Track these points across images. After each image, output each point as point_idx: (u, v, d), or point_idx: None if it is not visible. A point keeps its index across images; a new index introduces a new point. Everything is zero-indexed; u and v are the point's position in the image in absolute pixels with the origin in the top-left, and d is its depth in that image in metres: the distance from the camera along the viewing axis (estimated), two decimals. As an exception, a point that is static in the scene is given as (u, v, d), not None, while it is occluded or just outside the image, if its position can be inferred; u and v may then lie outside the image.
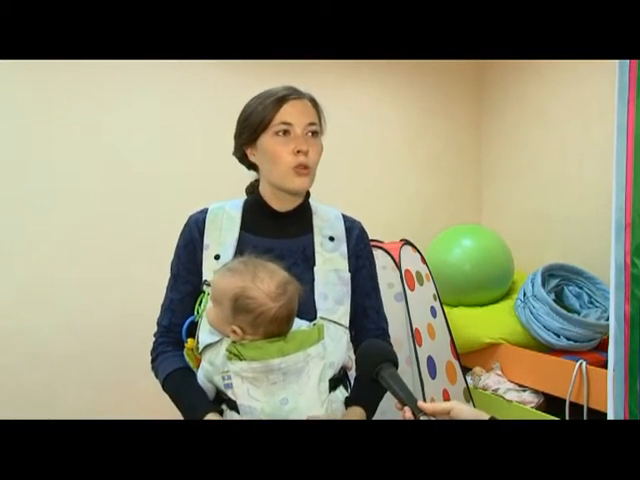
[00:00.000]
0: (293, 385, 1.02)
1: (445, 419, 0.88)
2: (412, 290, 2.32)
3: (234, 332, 1.03)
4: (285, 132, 1.13)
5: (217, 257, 1.16)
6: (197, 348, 1.10)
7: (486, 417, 0.85)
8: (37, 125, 2.37)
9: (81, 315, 2.44)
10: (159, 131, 2.60)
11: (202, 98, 2.68)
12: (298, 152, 1.13)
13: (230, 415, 1.06)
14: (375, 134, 3.17)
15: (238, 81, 2.60)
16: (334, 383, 1.12)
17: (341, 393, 1.16)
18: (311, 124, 1.16)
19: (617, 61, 1.48)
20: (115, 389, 2.47)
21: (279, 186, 1.18)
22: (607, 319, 2.32)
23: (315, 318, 1.13)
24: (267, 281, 1.03)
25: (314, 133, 1.17)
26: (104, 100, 2.49)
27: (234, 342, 1.03)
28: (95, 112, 2.48)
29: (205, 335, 1.09)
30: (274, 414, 1.00)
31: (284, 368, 1.01)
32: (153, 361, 1.20)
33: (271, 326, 1.03)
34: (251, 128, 1.16)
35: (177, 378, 1.13)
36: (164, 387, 1.15)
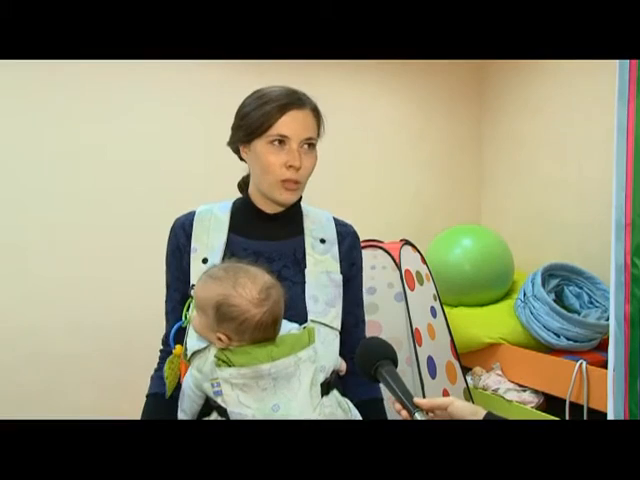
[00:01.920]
0: (284, 390, 1.00)
1: (443, 416, 0.88)
2: (412, 290, 2.32)
3: (219, 340, 1.01)
4: (280, 142, 1.11)
5: (205, 261, 1.14)
6: (185, 355, 1.08)
7: (483, 412, 0.85)
8: (38, 124, 2.37)
9: (82, 315, 2.44)
10: (161, 131, 2.61)
11: (203, 98, 2.68)
12: (290, 167, 1.11)
13: None
14: (375, 134, 3.18)
15: (238, 81, 2.60)
16: (326, 387, 1.10)
17: (335, 397, 1.13)
18: (308, 139, 1.13)
19: (617, 61, 1.48)
20: (115, 389, 2.47)
21: (266, 195, 1.17)
22: (607, 319, 2.32)
23: (306, 321, 1.11)
24: (249, 287, 1.00)
25: (310, 146, 1.14)
26: (104, 100, 2.49)
27: (222, 348, 1.01)
28: (95, 112, 2.48)
29: (193, 341, 1.07)
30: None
31: (274, 373, 0.99)
32: None
33: (257, 332, 1.00)
34: (247, 129, 1.13)
35: (146, 404, 1.18)
36: None
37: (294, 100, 1.12)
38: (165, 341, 1.21)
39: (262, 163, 1.12)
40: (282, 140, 1.11)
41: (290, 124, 1.10)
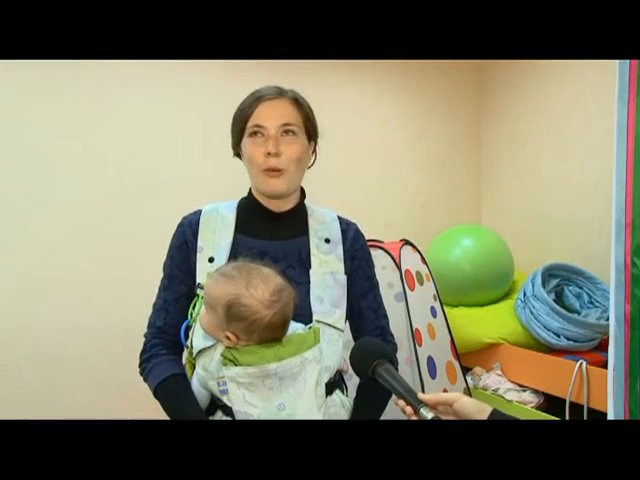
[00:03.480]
0: (290, 390, 1.00)
1: (446, 412, 0.88)
2: (412, 290, 2.32)
3: (228, 338, 1.01)
4: (259, 133, 1.13)
5: (211, 260, 1.15)
6: (191, 353, 1.08)
7: (489, 410, 0.85)
8: (37, 126, 2.37)
9: (82, 315, 2.44)
10: (158, 132, 2.60)
11: (202, 98, 2.68)
12: (268, 154, 1.12)
13: None
14: (375, 134, 3.17)
15: (238, 81, 2.60)
16: (330, 387, 1.11)
17: (338, 397, 1.14)
18: (285, 124, 1.13)
19: (617, 61, 1.48)
20: (115, 389, 2.47)
21: (256, 189, 1.18)
22: (607, 319, 2.32)
23: (311, 321, 1.11)
24: (261, 288, 1.01)
25: (290, 132, 1.14)
26: (103, 101, 2.49)
27: (228, 347, 1.01)
28: (94, 113, 2.47)
29: (199, 340, 1.07)
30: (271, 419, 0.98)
31: (280, 373, 1.00)
32: (144, 362, 1.16)
33: (265, 332, 1.01)
34: (235, 129, 1.17)
35: (172, 386, 1.09)
36: (155, 394, 1.11)
37: (270, 92, 1.15)
38: (161, 329, 1.16)
39: (247, 157, 1.16)
40: (259, 131, 1.13)
41: (265, 113, 1.13)
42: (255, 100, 1.14)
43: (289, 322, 1.05)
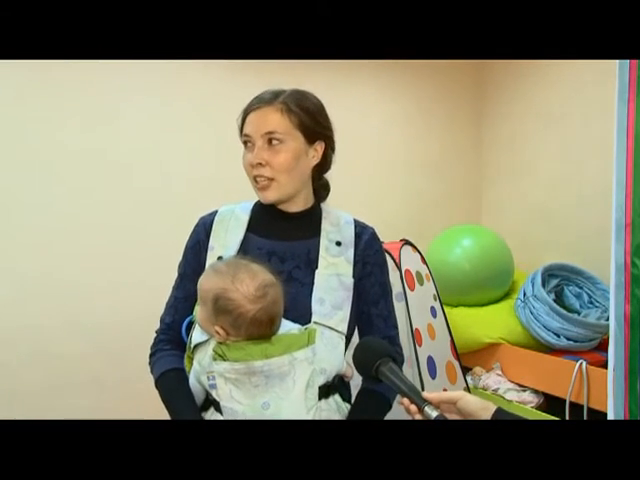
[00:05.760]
0: (276, 389, 1.01)
1: (450, 410, 0.88)
2: (412, 290, 2.32)
3: (217, 333, 1.03)
4: (247, 143, 1.15)
5: (220, 258, 1.16)
6: (189, 347, 1.10)
7: (493, 408, 0.84)
8: (38, 127, 2.37)
9: (83, 315, 2.44)
10: (161, 134, 2.60)
11: (202, 99, 2.68)
12: (256, 164, 1.13)
13: (216, 417, 1.05)
14: (375, 135, 3.17)
15: (239, 81, 2.60)
16: (326, 390, 1.09)
17: (335, 401, 1.12)
18: (268, 133, 1.11)
19: (617, 61, 1.48)
20: (116, 389, 2.47)
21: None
22: (607, 319, 2.32)
23: (309, 322, 1.10)
24: (247, 282, 1.02)
25: (274, 140, 1.11)
26: (103, 102, 2.49)
27: (220, 342, 1.04)
28: (94, 114, 2.48)
29: (197, 335, 1.09)
30: (255, 418, 0.99)
31: (267, 371, 1.00)
32: (151, 356, 1.20)
33: (252, 328, 1.02)
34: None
35: (169, 379, 1.13)
36: (156, 385, 1.15)
37: (258, 101, 1.15)
38: (169, 325, 1.20)
39: (243, 166, 1.18)
40: (248, 140, 1.15)
41: (251, 123, 1.14)
42: (246, 109, 1.16)
43: (277, 319, 1.05)
